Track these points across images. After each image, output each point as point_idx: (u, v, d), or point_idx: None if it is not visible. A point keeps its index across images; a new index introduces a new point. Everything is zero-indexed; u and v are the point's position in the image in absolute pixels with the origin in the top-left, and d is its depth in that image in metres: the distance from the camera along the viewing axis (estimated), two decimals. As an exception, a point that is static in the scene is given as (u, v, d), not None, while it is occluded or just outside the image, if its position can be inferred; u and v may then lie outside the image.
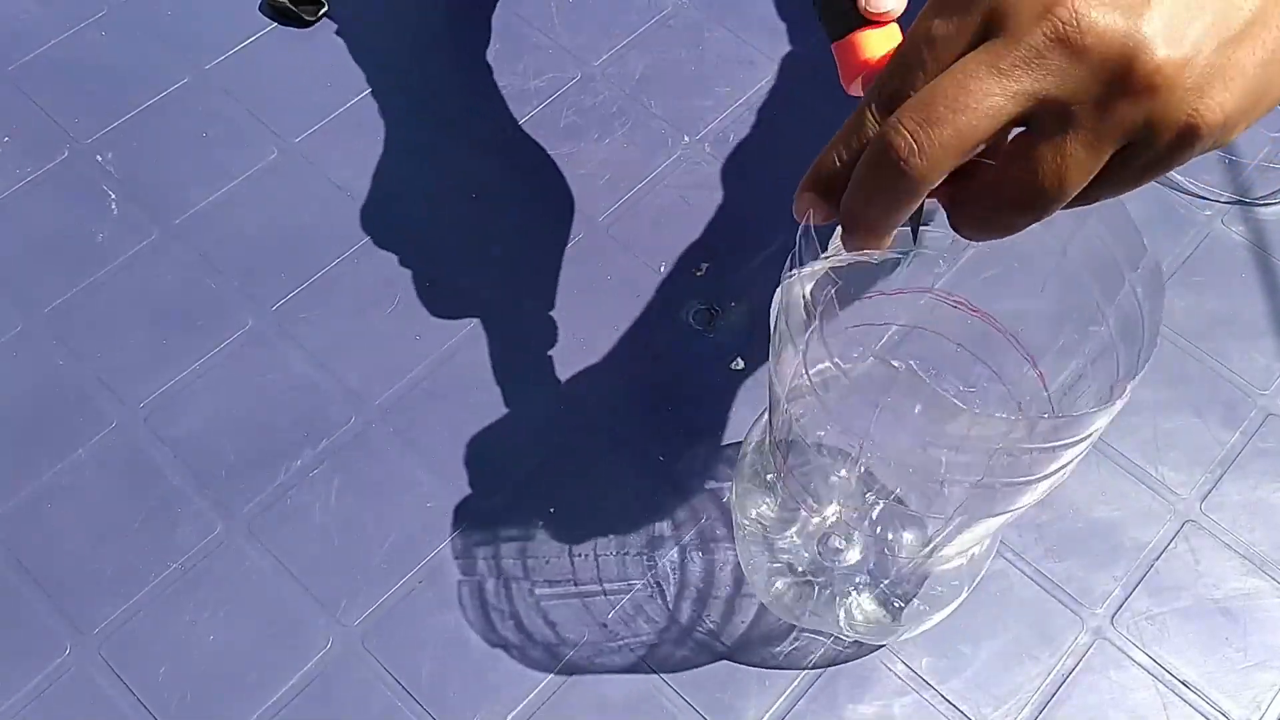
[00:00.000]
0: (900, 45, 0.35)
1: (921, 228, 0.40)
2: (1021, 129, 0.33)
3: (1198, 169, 0.70)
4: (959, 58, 0.33)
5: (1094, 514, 0.59)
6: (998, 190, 0.34)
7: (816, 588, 0.54)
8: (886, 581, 0.53)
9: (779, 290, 0.41)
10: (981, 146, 0.33)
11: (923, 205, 0.37)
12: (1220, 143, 0.33)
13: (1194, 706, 0.54)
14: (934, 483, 0.41)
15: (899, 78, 0.34)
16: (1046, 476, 0.40)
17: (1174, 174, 0.70)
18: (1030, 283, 0.46)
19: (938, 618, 0.53)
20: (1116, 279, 0.41)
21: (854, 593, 0.53)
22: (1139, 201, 0.69)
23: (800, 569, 0.54)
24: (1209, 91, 0.32)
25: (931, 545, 0.49)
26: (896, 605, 0.53)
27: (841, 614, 0.53)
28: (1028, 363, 0.47)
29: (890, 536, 0.53)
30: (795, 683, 0.55)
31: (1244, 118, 0.33)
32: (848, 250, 0.36)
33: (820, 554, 0.53)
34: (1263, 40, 0.32)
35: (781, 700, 0.54)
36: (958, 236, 0.36)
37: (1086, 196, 0.34)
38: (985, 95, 0.32)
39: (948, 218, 0.36)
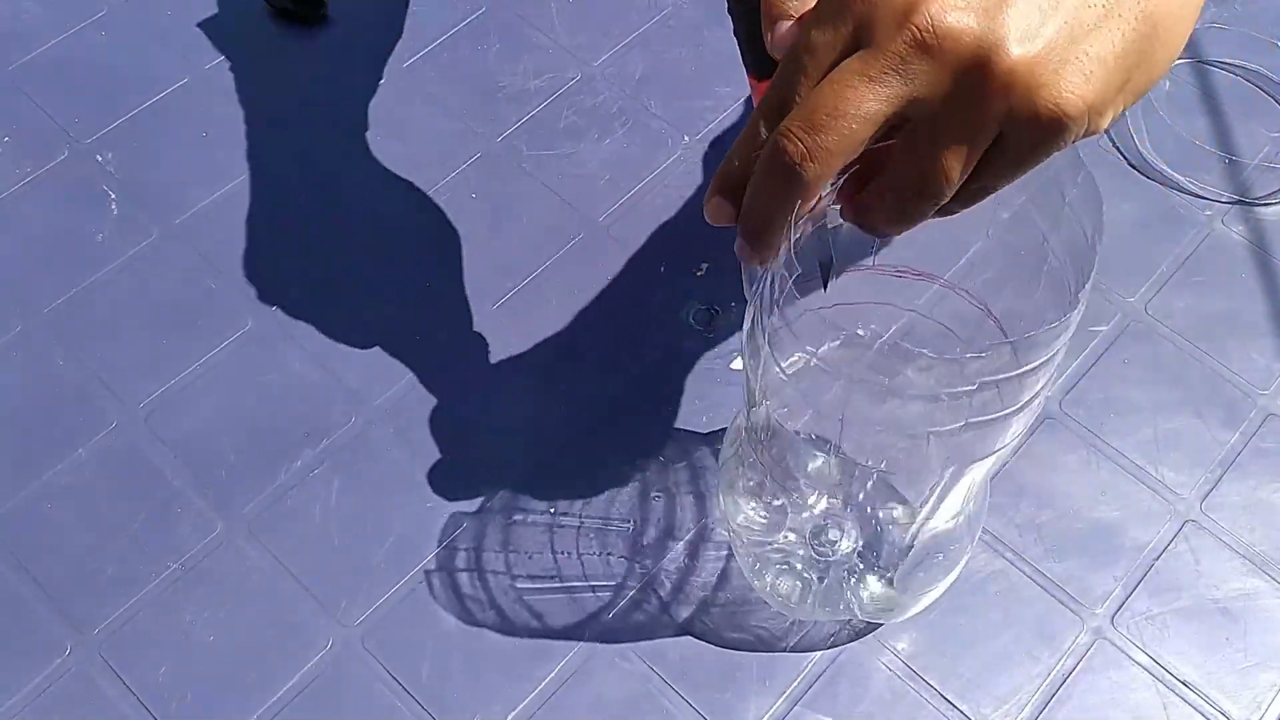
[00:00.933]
0: (785, 55, 0.38)
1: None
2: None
3: (1198, 169, 0.71)
4: (836, 64, 0.36)
5: (1094, 514, 0.59)
6: (893, 185, 0.37)
7: (817, 579, 0.54)
8: (882, 561, 0.53)
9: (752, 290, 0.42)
10: (864, 145, 0.36)
11: (834, 262, 0.42)
12: (1092, 130, 0.36)
13: (1194, 706, 0.54)
14: (900, 437, 0.42)
15: (785, 85, 0.37)
16: (1017, 411, 0.41)
17: (1174, 174, 0.70)
18: (973, 231, 0.47)
19: (944, 585, 0.54)
20: (1057, 200, 0.42)
21: (855, 577, 0.54)
22: (1139, 202, 0.70)
23: (799, 566, 0.54)
24: (1067, 84, 0.34)
25: (921, 512, 0.49)
26: (895, 577, 0.53)
27: (850, 597, 0.53)
28: (981, 311, 0.48)
29: (880, 514, 0.53)
30: (795, 683, 0.55)
31: (1110, 106, 0.36)
32: (739, 254, 0.40)
33: (815, 549, 0.54)
34: (1121, 32, 0.35)
35: (782, 700, 0.54)
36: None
37: (975, 187, 0.37)
38: (860, 101, 0.35)
39: (855, 221, 0.39)
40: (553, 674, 0.54)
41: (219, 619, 0.56)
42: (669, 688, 0.54)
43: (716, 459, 0.60)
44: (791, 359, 0.42)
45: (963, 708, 0.54)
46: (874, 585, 0.53)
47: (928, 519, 0.50)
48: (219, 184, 0.69)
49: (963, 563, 0.53)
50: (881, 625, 0.56)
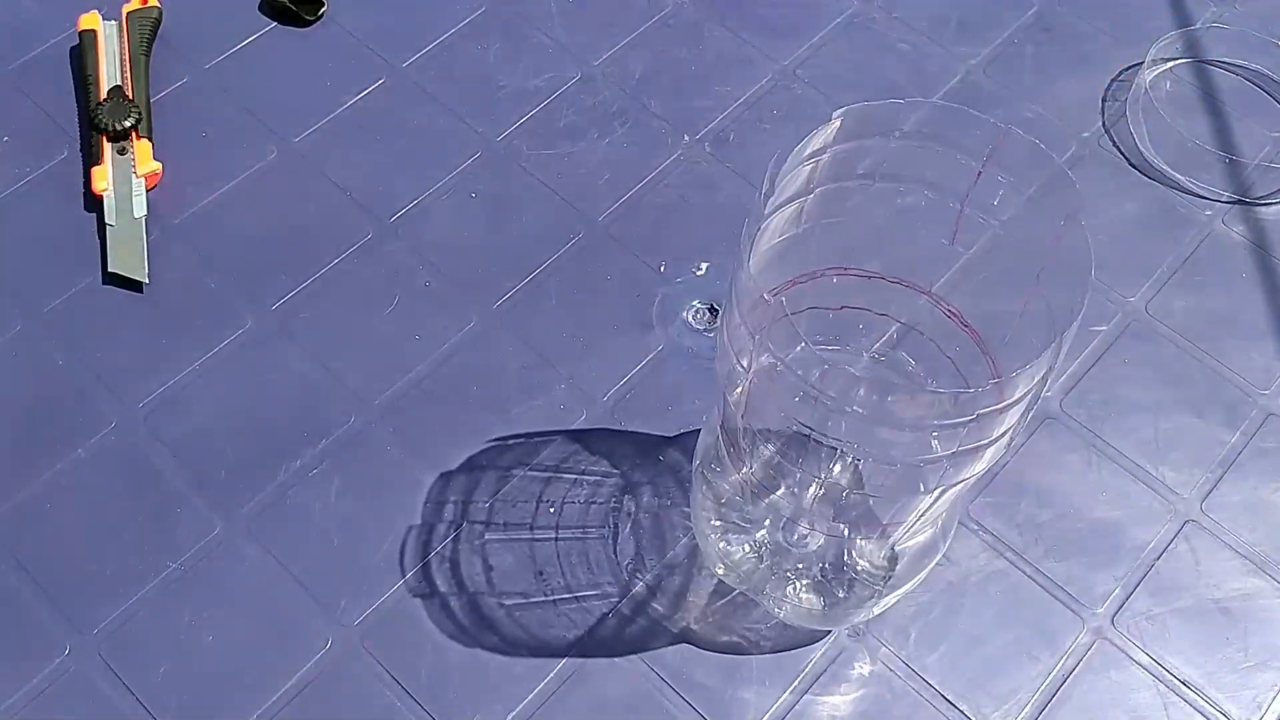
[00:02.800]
0: None
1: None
2: None
3: (1198, 169, 0.71)
4: None
5: (1094, 514, 0.59)
6: None
7: (764, 563, 0.54)
8: (828, 578, 0.54)
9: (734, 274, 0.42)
10: None
11: None
12: None
13: (1194, 706, 0.54)
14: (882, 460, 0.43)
15: None
16: (992, 442, 0.42)
17: (1174, 174, 0.70)
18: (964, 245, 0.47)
19: (873, 613, 0.54)
20: (1051, 235, 0.43)
21: (797, 579, 0.54)
22: (1139, 202, 0.70)
23: (758, 537, 0.54)
24: None
25: (886, 544, 0.49)
26: (837, 595, 0.54)
27: (787, 591, 0.54)
28: (965, 331, 0.49)
29: (858, 541, 0.53)
30: (795, 682, 0.55)
31: None
32: None
33: (784, 536, 0.54)
34: None
35: (782, 700, 0.54)
36: None
37: None
38: None
39: None
40: (552, 674, 0.54)
41: (219, 619, 0.56)
42: (668, 687, 0.54)
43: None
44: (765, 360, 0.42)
45: (963, 708, 0.54)
46: (806, 594, 0.54)
47: (899, 533, 0.50)
48: (219, 184, 0.69)
49: (893, 598, 0.54)
50: (882, 626, 0.56)
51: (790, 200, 0.45)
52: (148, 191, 0.67)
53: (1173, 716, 0.54)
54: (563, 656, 0.55)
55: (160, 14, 0.74)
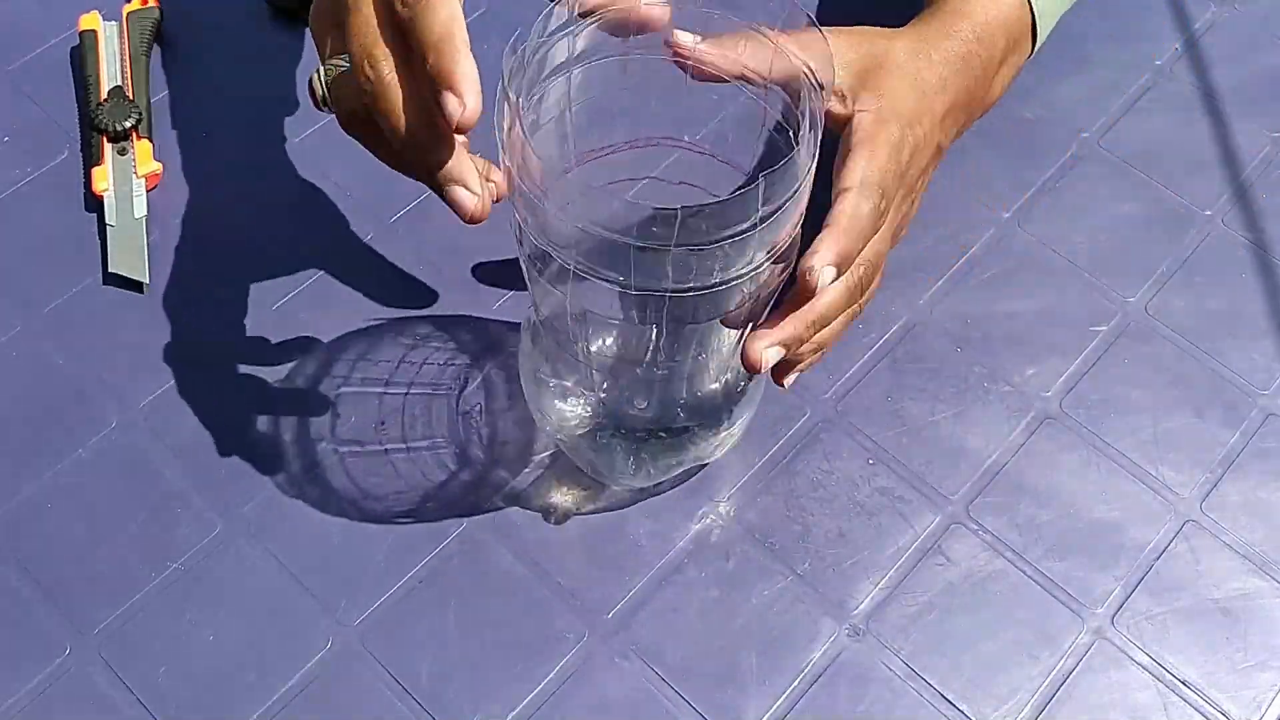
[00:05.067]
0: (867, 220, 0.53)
1: None
2: None
3: (1198, 169, 0.71)
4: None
5: (1094, 514, 0.59)
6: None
7: (593, 422, 0.57)
8: (647, 444, 0.57)
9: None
10: None
11: None
12: None
13: (1194, 706, 0.54)
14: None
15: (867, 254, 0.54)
16: (728, 285, 0.46)
17: (1174, 174, 0.70)
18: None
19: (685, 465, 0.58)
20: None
21: (623, 439, 0.57)
22: (1139, 202, 0.70)
23: (590, 405, 0.56)
24: None
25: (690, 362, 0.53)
26: (642, 458, 0.57)
27: (610, 456, 0.57)
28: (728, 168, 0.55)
29: (681, 414, 0.56)
30: (795, 682, 0.55)
31: None
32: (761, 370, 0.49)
33: (621, 404, 0.56)
34: None
35: (781, 700, 0.54)
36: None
37: None
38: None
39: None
40: (553, 674, 0.55)
41: (219, 619, 0.56)
42: (669, 687, 0.54)
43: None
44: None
45: (963, 708, 0.54)
46: (621, 457, 0.57)
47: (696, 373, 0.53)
48: (219, 184, 0.69)
49: (699, 448, 0.56)
50: (882, 626, 0.56)
51: (565, 69, 0.48)
52: (148, 192, 0.68)
53: (1173, 716, 0.54)
54: (563, 656, 0.55)
55: (160, 14, 0.74)
